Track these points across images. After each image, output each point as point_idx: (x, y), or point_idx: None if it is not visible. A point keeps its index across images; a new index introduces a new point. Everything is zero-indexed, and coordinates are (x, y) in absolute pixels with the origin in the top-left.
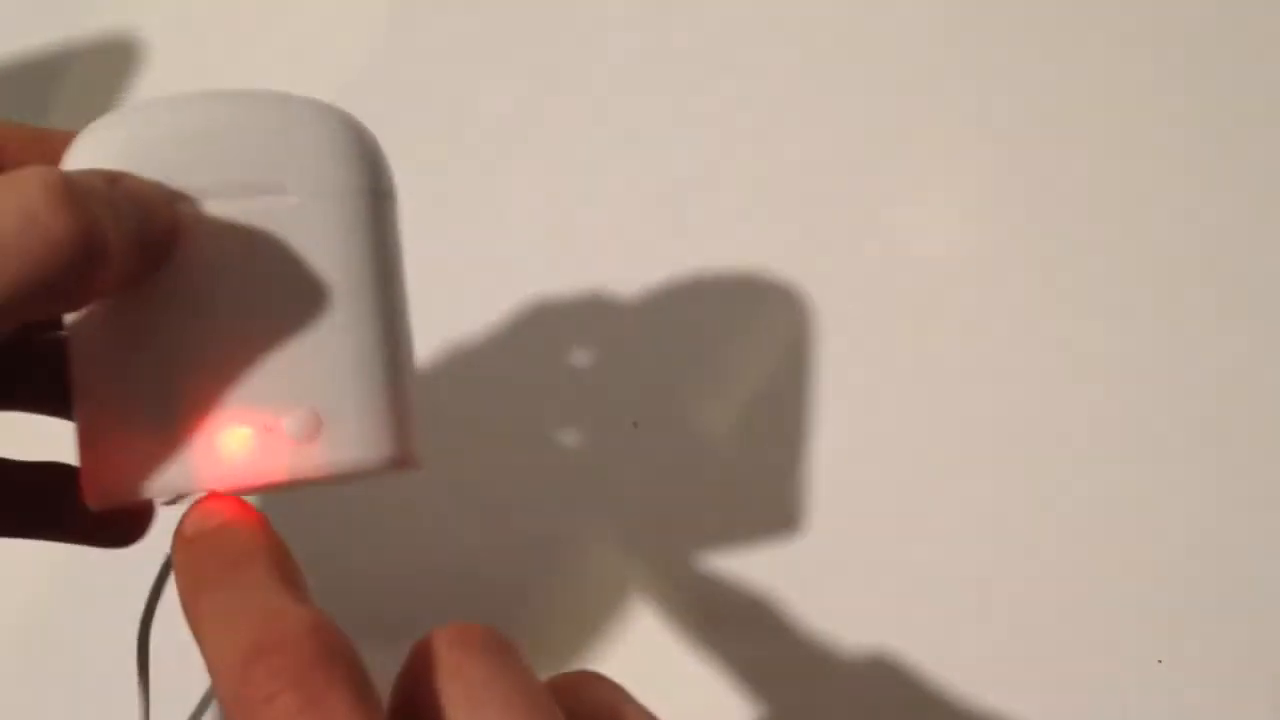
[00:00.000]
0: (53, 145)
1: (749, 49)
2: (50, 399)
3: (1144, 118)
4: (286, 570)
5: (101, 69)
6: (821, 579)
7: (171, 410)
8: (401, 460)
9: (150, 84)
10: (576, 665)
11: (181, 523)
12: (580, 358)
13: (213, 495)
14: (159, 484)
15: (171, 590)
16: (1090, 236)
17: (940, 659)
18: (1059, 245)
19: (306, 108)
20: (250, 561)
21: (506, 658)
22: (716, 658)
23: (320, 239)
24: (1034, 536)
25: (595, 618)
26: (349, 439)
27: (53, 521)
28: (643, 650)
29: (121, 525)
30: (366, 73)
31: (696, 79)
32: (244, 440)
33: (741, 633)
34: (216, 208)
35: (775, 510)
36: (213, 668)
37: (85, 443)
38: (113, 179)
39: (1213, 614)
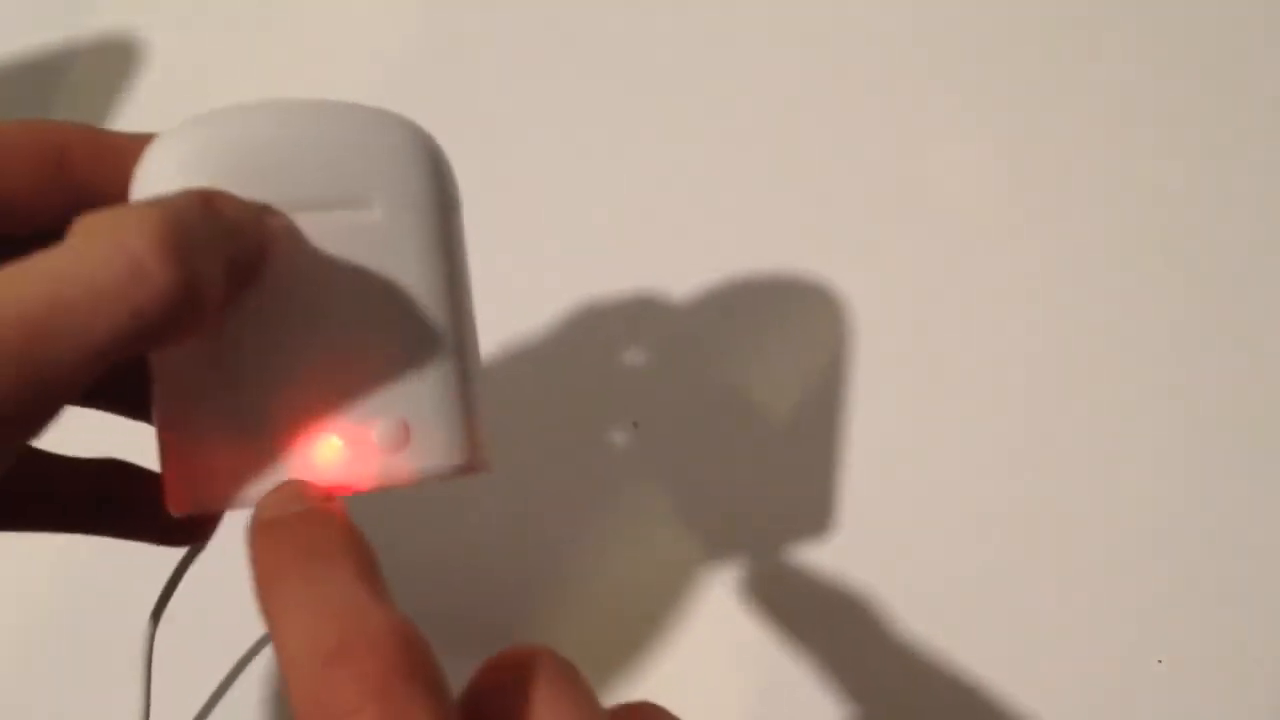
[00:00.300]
0: (123, 152)
1: (763, 48)
2: (122, 400)
3: (1174, 115)
4: (368, 567)
5: (101, 69)
6: (828, 576)
7: (262, 420)
8: (479, 465)
9: (150, 84)
10: (581, 663)
11: (259, 506)
12: (581, 358)
13: (293, 479)
14: (251, 493)
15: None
16: (1123, 232)
17: (938, 659)
18: (1082, 244)
19: (382, 119)
20: (333, 554)
21: (572, 683)
22: (720, 655)
23: (403, 252)
24: (1034, 536)
25: (598, 617)
26: (434, 446)
27: (116, 519)
28: (645, 648)
29: (190, 525)
30: (368, 72)
31: (705, 80)
32: (335, 450)
33: (747, 628)
34: (302, 221)
35: (788, 509)
36: (288, 662)
37: (169, 450)
38: (206, 201)
39: (1213, 614)
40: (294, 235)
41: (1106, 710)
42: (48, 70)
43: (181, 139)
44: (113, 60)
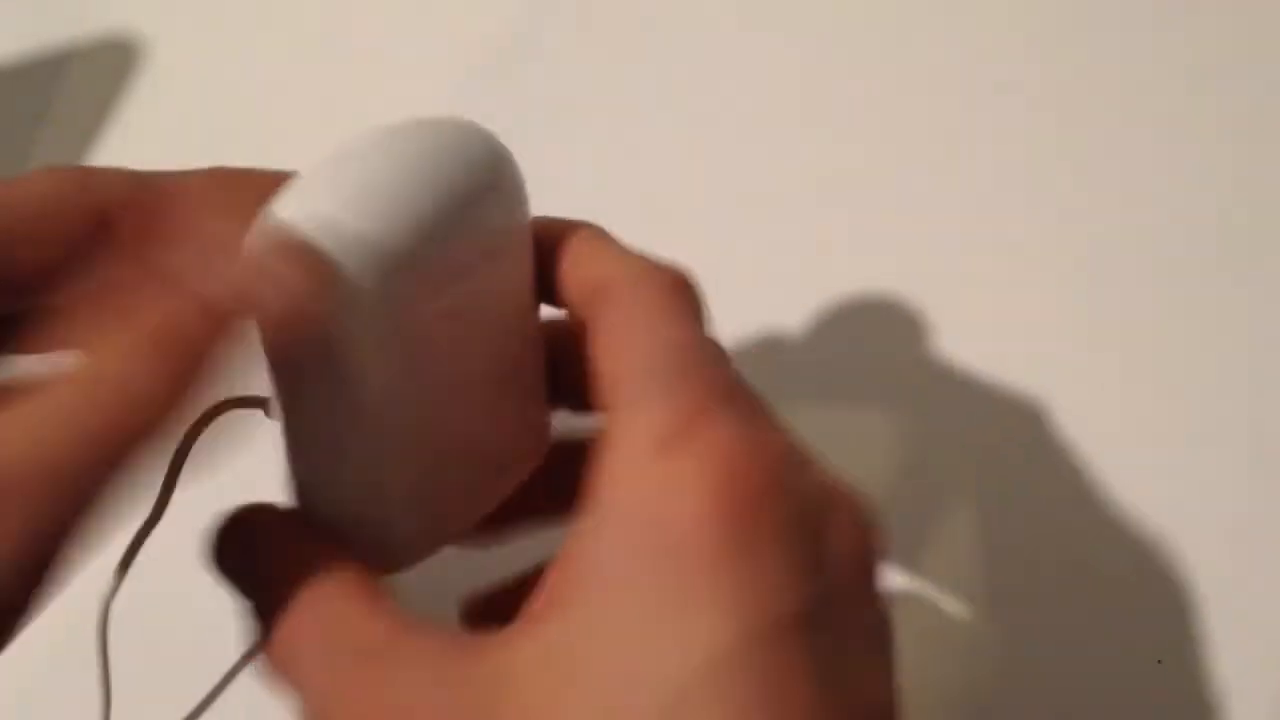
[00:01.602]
0: (175, 199)
1: (775, 51)
2: None
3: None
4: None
5: (101, 69)
6: None
7: (419, 485)
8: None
9: (150, 84)
10: None
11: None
12: None
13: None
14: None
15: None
16: (1131, 235)
17: (937, 659)
18: (1096, 260)
19: (481, 148)
20: None
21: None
22: None
23: (512, 294)
24: (1033, 535)
25: None
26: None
27: None
28: None
29: None
30: (368, 72)
31: (712, 83)
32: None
33: None
34: (422, 282)
35: None
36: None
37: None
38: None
39: (1213, 614)
40: (419, 305)
41: (1106, 710)
42: (48, 70)
43: (299, 204)
44: (113, 60)
